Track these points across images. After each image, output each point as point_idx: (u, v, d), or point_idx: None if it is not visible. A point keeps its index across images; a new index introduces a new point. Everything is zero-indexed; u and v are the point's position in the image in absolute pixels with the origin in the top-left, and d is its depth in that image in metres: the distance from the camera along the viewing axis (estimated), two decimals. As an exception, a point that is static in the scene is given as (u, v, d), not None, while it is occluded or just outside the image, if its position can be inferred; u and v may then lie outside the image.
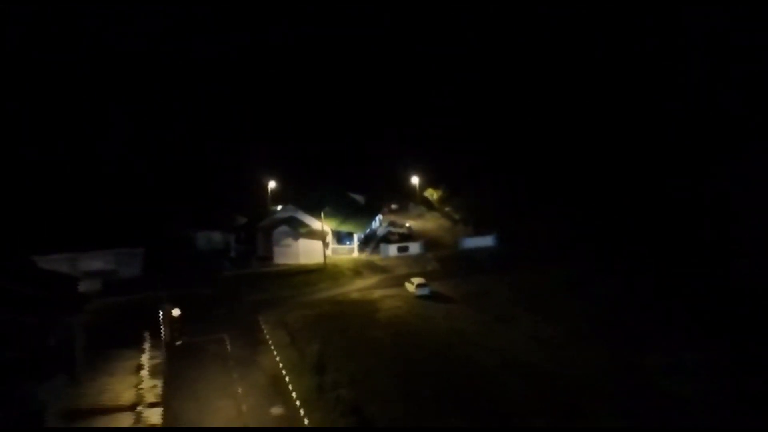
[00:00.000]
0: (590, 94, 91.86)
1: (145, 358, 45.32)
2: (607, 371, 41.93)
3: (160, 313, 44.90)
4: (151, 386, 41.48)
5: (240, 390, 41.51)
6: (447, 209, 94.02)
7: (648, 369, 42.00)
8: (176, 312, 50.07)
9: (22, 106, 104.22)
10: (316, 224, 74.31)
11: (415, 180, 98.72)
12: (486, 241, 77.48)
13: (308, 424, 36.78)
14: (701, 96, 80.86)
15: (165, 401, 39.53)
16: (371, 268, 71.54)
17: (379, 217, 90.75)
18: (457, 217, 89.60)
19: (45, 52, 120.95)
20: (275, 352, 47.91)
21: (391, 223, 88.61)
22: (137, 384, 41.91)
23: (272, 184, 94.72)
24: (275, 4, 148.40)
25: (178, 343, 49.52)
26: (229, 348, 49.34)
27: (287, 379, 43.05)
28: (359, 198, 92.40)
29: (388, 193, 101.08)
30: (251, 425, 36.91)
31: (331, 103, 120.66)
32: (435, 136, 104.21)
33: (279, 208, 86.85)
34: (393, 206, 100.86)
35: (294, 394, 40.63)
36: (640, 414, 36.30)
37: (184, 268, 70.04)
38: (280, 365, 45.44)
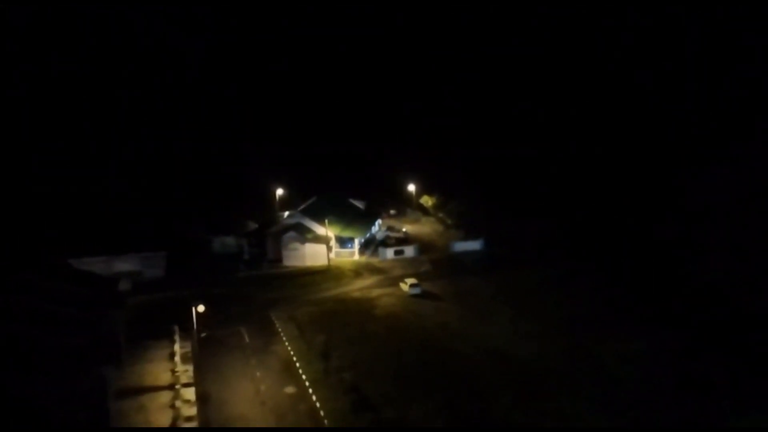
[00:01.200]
0: (568, 110, 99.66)
1: (176, 348, 53.43)
2: (567, 358, 49.76)
3: (193, 309, 52.68)
4: (183, 370, 49.53)
5: (258, 373, 49.54)
6: (440, 215, 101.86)
7: (602, 356, 49.83)
8: (201, 308, 58.02)
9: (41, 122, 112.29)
10: (320, 230, 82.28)
11: (411, 187, 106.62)
12: (474, 245, 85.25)
13: (316, 401, 44.74)
14: (669, 105, 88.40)
15: (196, 382, 47.53)
16: (370, 269, 79.37)
17: (379, 221, 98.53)
18: (449, 222, 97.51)
19: (66, 60, 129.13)
20: (286, 343, 55.87)
21: (389, 228, 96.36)
22: (172, 368, 49.95)
23: (279, 192, 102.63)
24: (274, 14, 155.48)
25: (203, 335, 57.36)
26: (246, 339, 57.31)
27: (297, 364, 51.05)
28: (360, 204, 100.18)
29: (388, 199, 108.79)
30: (269, 403, 44.85)
31: (336, 115, 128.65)
32: (431, 148, 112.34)
33: (286, 214, 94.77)
34: (392, 211, 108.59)
35: (304, 377, 48.64)
36: (589, 393, 44.14)
37: (202, 269, 78.08)
38: (291, 353, 53.42)
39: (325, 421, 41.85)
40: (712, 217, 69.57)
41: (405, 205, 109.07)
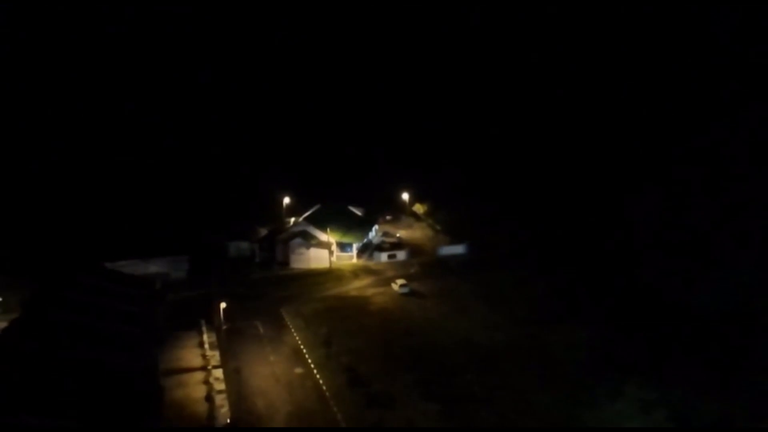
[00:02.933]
0: (539, 138, 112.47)
1: (204, 337, 65.04)
2: (522, 345, 61.27)
3: (220, 305, 64.23)
4: (212, 355, 61.13)
5: (272, 358, 61.11)
6: (430, 221, 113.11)
7: (550, 343, 61.28)
8: (223, 305, 69.58)
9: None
10: (323, 236, 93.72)
11: (405, 196, 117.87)
12: (458, 249, 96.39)
13: (319, 378, 56.26)
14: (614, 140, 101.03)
15: (223, 364, 59.07)
16: (366, 271, 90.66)
17: (376, 227, 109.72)
18: (438, 228, 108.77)
19: (82, 72, 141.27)
20: (295, 333, 67.32)
21: (385, 233, 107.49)
22: (202, 354, 61.56)
23: (286, 200, 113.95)
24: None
25: (225, 327, 68.83)
26: (261, 330, 68.72)
27: (304, 350, 62.57)
28: (359, 211, 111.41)
29: (384, 206, 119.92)
30: (282, 380, 56.36)
31: (339, 130, 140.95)
32: (423, 160, 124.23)
33: (292, 221, 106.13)
34: (388, 217, 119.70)
35: (309, 360, 60.18)
36: (535, 371, 55.58)
37: (220, 271, 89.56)
38: (299, 342, 64.91)
39: (327, 393, 53.45)
40: (648, 229, 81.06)
41: (400, 212, 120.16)
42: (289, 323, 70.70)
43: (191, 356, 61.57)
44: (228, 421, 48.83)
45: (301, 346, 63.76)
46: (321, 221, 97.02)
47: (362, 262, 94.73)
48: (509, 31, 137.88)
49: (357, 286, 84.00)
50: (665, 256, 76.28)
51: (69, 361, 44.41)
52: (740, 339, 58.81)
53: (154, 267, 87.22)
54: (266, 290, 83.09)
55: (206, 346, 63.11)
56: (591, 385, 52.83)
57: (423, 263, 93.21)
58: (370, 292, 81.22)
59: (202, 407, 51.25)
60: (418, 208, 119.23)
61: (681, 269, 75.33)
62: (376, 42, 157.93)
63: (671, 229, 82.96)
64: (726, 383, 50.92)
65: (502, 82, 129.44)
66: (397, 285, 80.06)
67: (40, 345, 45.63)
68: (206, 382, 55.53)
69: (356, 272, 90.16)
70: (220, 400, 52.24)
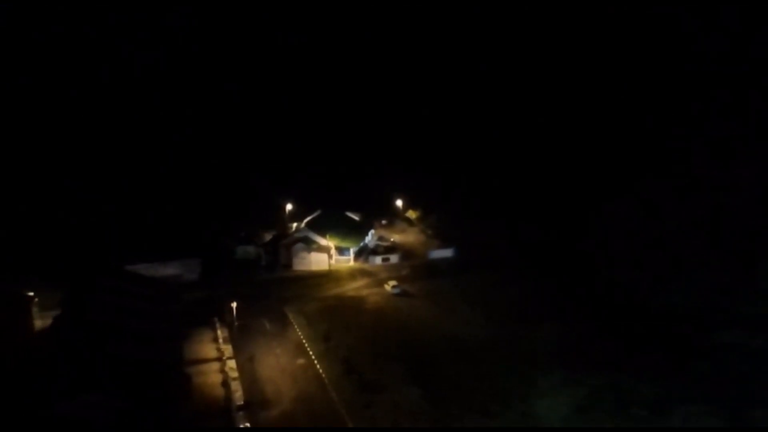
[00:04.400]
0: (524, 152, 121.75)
1: (218, 333, 73.60)
2: (497, 338, 69.84)
3: (232, 304, 72.80)
4: (225, 348, 69.69)
5: (278, 350, 69.66)
6: (422, 226, 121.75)
7: (523, 337, 69.87)
8: (234, 304, 78.08)
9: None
10: (323, 241, 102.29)
11: (399, 202, 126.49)
12: (447, 252, 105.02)
13: (319, 368, 64.84)
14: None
15: (235, 356, 67.62)
16: (363, 273, 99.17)
17: (372, 231, 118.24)
18: (429, 232, 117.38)
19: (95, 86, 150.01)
20: (298, 330, 75.82)
21: (381, 238, 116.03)
22: (217, 347, 70.11)
23: (289, 206, 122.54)
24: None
25: (236, 324, 77.29)
26: (268, 327, 77.21)
27: (306, 344, 71.11)
28: (356, 216, 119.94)
29: (380, 211, 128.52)
30: (287, 370, 64.93)
31: (339, 140, 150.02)
32: (415, 169, 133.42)
33: (294, 226, 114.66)
34: (383, 222, 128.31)
35: (311, 353, 68.75)
36: (507, 362, 64.15)
37: (229, 273, 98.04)
38: (301, 337, 73.44)
39: (326, 381, 62.03)
40: (622, 234, 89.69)
41: (395, 217, 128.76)
42: (292, 320, 79.12)
43: (207, 349, 70.11)
44: (242, 402, 57.38)
45: (303, 341, 72.24)
46: (321, 227, 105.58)
47: (359, 264, 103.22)
48: (491, 44, 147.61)
49: (353, 287, 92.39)
50: (637, 259, 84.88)
51: (109, 352, 53.01)
52: (697, 333, 67.63)
53: (168, 269, 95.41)
54: (271, 290, 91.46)
55: (220, 340, 71.66)
56: (551, 371, 61.46)
57: (414, 266, 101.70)
58: (365, 292, 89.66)
59: (220, 391, 59.87)
60: (411, 214, 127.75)
61: (651, 272, 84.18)
62: (370, 52, 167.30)
63: (643, 234, 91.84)
64: (671, 371, 59.61)
65: (490, 96, 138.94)
66: (389, 286, 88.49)
67: (83, 339, 54.25)
68: (222, 371, 64.16)
69: (353, 274, 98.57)
70: (235, 385, 60.79)
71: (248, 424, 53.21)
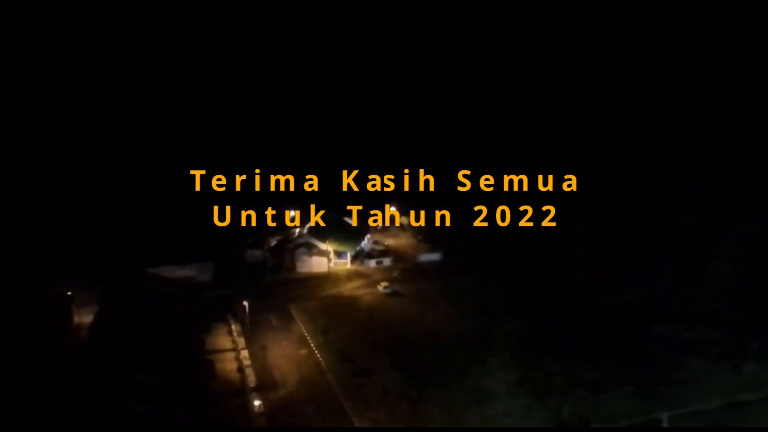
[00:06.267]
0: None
1: (232, 328, 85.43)
2: (470, 333, 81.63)
3: (244, 303, 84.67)
4: (239, 340, 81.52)
5: (284, 342, 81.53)
6: (414, 231, 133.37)
7: (492, 332, 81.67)
8: (245, 302, 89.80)
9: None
10: (323, 246, 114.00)
11: (393, 208, 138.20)
12: (435, 256, 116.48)
13: (319, 357, 76.67)
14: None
15: (248, 347, 79.43)
16: (358, 275, 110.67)
17: (368, 236, 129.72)
18: (419, 237, 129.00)
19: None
20: (301, 325, 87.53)
21: (375, 242, 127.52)
22: (232, 340, 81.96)
23: (291, 213, 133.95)
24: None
25: (247, 320, 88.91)
26: (274, 322, 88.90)
27: (308, 337, 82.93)
28: (353, 222, 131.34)
29: (375, 216, 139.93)
30: (292, 359, 76.78)
31: (337, 149, 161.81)
32: (409, 174, 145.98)
33: (297, 231, 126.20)
34: (378, 227, 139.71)
35: (312, 344, 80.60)
36: (476, 353, 75.94)
37: (238, 275, 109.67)
38: (304, 331, 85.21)
39: (324, 368, 73.91)
40: (585, 242, 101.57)
41: (389, 222, 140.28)
42: (295, 316, 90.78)
43: (223, 341, 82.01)
44: (254, 385, 69.23)
45: (305, 334, 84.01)
46: (321, 232, 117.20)
47: (355, 267, 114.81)
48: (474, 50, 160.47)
49: (350, 288, 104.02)
50: (598, 263, 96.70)
51: (148, 342, 64.93)
52: (640, 328, 79.48)
53: (185, 271, 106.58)
54: (277, 291, 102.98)
55: (234, 334, 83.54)
56: (504, 357, 73.65)
57: (405, 268, 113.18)
58: (360, 292, 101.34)
59: (236, 376, 71.88)
60: (404, 219, 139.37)
61: (610, 275, 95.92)
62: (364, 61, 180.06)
63: (605, 241, 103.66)
64: (608, 359, 71.64)
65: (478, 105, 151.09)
66: (381, 287, 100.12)
67: (125, 331, 66.19)
68: (237, 359, 76.07)
69: (350, 276, 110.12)
70: (248, 372, 72.66)
71: (260, 402, 64.91)
